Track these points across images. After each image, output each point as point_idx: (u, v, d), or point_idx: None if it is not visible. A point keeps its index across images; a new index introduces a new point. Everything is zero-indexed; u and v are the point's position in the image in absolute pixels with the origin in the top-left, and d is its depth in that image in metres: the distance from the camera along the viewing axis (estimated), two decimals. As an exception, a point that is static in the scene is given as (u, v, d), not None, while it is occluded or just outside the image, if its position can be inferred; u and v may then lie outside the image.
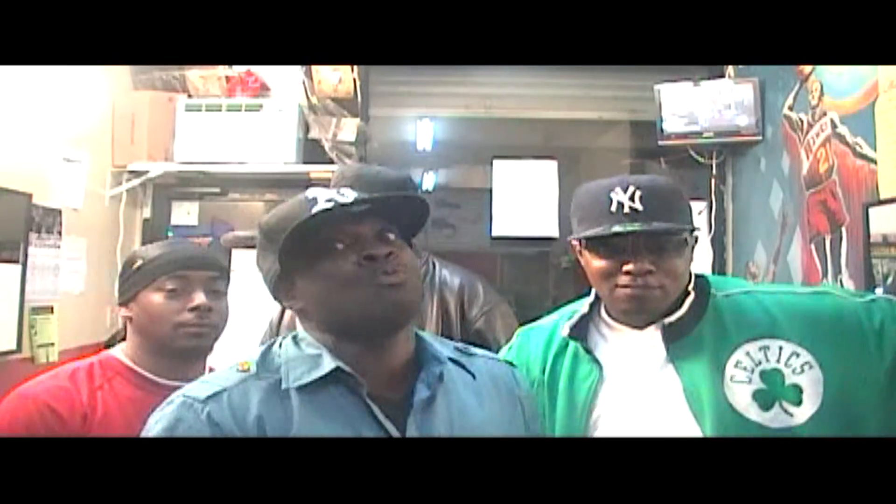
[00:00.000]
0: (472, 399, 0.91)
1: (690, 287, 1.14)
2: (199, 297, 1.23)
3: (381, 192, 1.20)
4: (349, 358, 0.85)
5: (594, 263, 1.14)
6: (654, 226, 1.07)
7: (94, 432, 1.15)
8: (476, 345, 1.27)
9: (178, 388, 1.14)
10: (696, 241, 1.18)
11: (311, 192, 0.89)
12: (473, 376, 0.93)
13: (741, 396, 1.06)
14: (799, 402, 1.04)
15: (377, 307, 0.83)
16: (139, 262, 1.26)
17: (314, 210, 0.85)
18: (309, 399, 0.83)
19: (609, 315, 1.20)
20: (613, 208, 1.10)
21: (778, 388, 1.06)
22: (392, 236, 0.88)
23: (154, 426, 0.82)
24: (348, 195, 0.88)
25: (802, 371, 1.05)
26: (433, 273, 1.57)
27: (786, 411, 1.04)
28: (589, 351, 1.17)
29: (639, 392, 1.13)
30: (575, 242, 1.18)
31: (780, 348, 1.08)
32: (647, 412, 1.11)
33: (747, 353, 1.09)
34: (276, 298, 0.92)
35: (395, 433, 0.82)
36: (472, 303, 1.54)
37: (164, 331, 1.22)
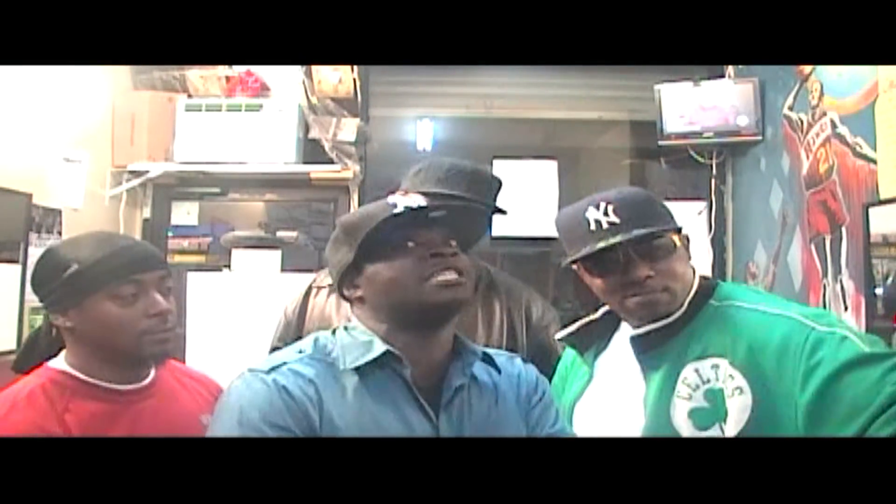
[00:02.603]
0: (495, 392, 1.03)
1: (687, 300, 1.14)
2: (160, 302, 1.13)
3: (480, 190, 1.40)
4: (398, 346, 0.97)
5: (597, 282, 1.17)
6: (634, 233, 1.09)
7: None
8: (539, 354, 1.35)
9: (138, 391, 1.15)
10: (687, 240, 1.19)
11: (391, 199, 1.02)
12: (499, 371, 1.05)
13: (680, 413, 1.08)
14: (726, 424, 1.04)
15: (436, 298, 0.95)
16: (75, 266, 1.11)
17: (394, 212, 0.98)
18: (359, 378, 0.95)
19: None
20: (592, 227, 1.13)
21: (720, 407, 1.05)
22: (454, 243, 1.01)
23: (228, 398, 0.93)
24: (421, 201, 1.00)
25: (732, 395, 1.04)
26: (493, 280, 1.57)
27: (722, 431, 1.04)
28: (581, 355, 1.23)
29: (615, 398, 1.16)
30: (575, 267, 1.20)
31: (725, 368, 1.07)
32: (615, 417, 1.14)
33: (696, 371, 1.09)
34: (339, 287, 1.04)
35: (430, 413, 0.95)
36: (535, 314, 1.56)
37: (125, 341, 1.11)
